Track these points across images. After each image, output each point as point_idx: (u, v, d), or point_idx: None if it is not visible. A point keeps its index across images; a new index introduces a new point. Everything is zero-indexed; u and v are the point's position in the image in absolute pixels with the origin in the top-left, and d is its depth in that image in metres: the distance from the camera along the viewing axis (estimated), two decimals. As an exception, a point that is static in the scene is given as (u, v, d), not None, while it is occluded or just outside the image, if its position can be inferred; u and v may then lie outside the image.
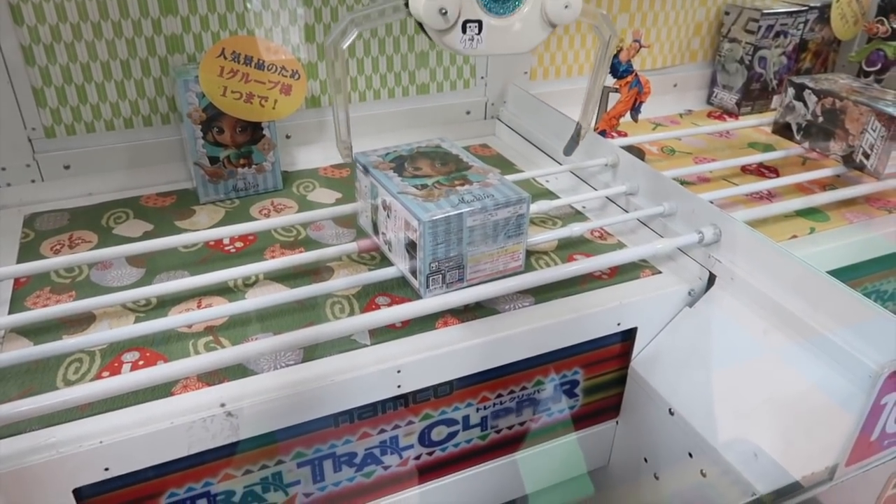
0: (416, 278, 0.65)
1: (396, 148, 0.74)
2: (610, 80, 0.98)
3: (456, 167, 0.70)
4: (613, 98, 0.99)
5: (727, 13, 1.20)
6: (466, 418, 0.70)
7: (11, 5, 0.78)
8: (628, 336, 0.73)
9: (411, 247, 0.64)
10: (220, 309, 0.62)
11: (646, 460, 0.74)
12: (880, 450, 0.50)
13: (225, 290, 0.68)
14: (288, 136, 0.97)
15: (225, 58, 0.77)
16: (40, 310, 0.62)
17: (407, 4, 0.57)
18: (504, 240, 0.66)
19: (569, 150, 0.77)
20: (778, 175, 0.97)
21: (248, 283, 0.70)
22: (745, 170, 0.99)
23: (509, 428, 0.74)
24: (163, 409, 0.55)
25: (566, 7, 0.57)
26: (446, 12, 0.55)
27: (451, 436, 0.70)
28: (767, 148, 1.05)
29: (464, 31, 0.57)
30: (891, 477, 0.52)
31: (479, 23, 0.57)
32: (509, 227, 0.65)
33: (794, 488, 0.50)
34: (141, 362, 0.59)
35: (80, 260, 0.69)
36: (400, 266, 0.68)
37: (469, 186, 0.66)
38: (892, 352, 0.48)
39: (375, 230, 0.72)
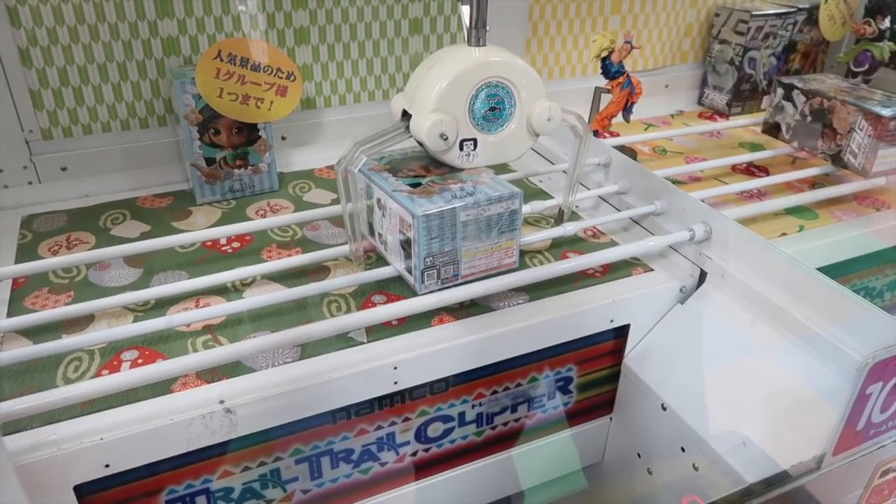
0: (411, 275, 0.66)
1: (391, 151, 0.75)
2: (602, 81, 0.99)
3: (449, 168, 0.71)
4: (605, 99, 1.01)
5: (717, 15, 1.21)
6: (462, 415, 0.71)
7: (8, 7, 0.78)
8: (621, 333, 0.74)
9: (406, 244, 0.65)
10: (218, 308, 0.63)
11: (639, 455, 0.75)
12: (866, 439, 0.51)
13: (223, 290, 0.69)
14: (284, 138, 0.98)
15: (221, 60, 0.78)
16: (40, 312, 0.62)
17: (408, 129, 0.64)
18: (497, 235, 0.67)
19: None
20: (768, 174, 0.99)
21: (246, 283, 0.70)
22: (735, 169, 1.00)
23: (504, 424, 0.75)
24: (162, 406, 0.56)
25: (548, 120, 0.65)
26: (447, 137, 0.62)
27: (447, 432, 0.71)
28: (757, 147, 1.06)
29: (461, 148, 0.64)
30: (878, 466, 0.54)
31: (475, 140, 0.64)
32: (502, 222, 0.66)
33: (782, 477, 0.51)
34: (140, 360, 0.60)
35: (78, 260, 0.69)
36: (396, 265, 0.69)
37: (462, 184, 0.67)
38: (877, 343, 0.49)
39: (371, 231, 0.73)
